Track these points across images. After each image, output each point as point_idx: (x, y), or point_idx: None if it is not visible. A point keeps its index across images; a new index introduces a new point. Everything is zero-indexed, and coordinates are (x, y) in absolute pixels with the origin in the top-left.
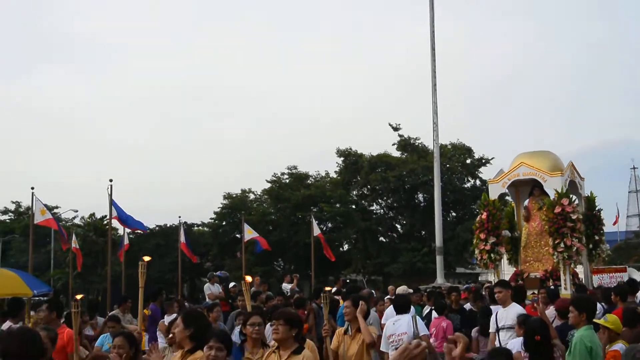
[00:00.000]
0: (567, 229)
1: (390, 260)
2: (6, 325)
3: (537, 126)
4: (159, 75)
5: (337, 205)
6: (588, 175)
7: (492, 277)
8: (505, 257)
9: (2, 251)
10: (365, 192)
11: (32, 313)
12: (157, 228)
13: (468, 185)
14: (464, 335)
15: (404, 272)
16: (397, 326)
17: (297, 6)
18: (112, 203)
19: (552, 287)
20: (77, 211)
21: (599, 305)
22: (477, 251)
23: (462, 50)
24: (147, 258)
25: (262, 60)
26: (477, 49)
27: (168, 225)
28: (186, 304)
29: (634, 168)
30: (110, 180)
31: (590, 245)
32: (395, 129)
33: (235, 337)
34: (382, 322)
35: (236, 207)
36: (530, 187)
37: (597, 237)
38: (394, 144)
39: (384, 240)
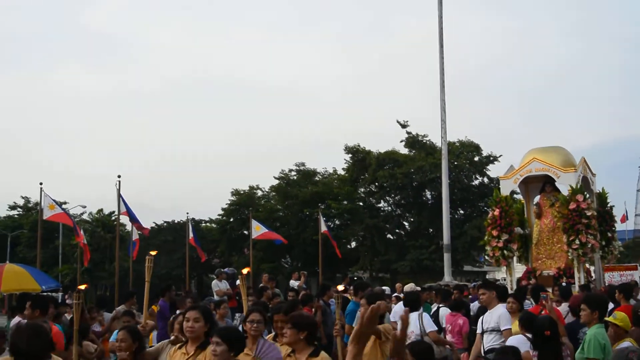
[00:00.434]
0: (582, 226)
1: (397, 258)
2: (15, 320)
3: (544, 124)
4: (166, 70)
5: (345, 202)
6: (597, 173)
7: (505, 275)
8: (516, 254)
9: (11, 246)
10: (372, 189)
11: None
12: (165, 224)
13: (476, 182)
14: (406, 316)
15: (411, 270)
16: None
17: (305, 3)
18: (120, 198)
19: (564, 284)
20: (85, 207)
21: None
22: (488, 248)
23: (470, 46)
24: (153, 252)
25: (271, 55)
26: (485, 46)
27: (176, 222)
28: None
29: None
30: (119, 176)
31: (603, 242)
32: (403, 125)
33: None
34: (391, 319)
35: (244, 204)
36: (541, 184)
37: (609, 234)
38: (401, 141)
39: (392, 237)
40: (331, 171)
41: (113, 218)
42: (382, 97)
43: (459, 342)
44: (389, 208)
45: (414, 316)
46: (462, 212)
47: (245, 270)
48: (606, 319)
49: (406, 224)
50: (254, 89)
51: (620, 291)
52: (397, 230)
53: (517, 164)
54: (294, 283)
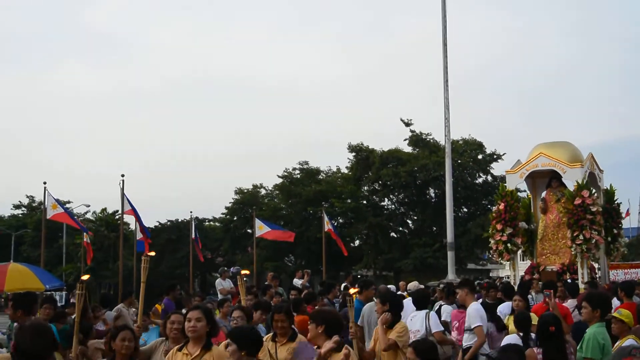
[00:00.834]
0: (587, 221)
1: (401, 256)
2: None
3: (548, 122)
4: (168, 68)
5: (348, 200)
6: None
7: (509, 270)
8: (521, 249)
9: (15, 245)
10: (376, 187)
11: None
12: (168, 223)
13: (480, 180)
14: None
15: (414, 268)
16: (413, 322)
17: (305, 2)
18: (124, 197)
19: (569, 280)
20: (89, 206)
21: (615, 301)
22: (492, 242)
23: (472, 45)
24: (151, 253)
25: (273, 55)
26: (488, 45)
27: (179, 220)
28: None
29: None
30: (122, 175)
31: (609, 239)
32: (407, 124)
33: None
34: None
35: (247, 202)
36: (547, 179)
37: (615, 231)
38: (405, 140)
39: (395, 235)
40: (335, 170)
41: (116, 217)
42: (385, 95)
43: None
44: (393, 206)
45: (420, 314)
46: (465, 210)
47: (243, 272)
48: (612, 314)
49: (410, 222)
50: (256, 88)
51: (622, 289)
52: (400, 229)
53: (523, 160)
54: (297, 281)
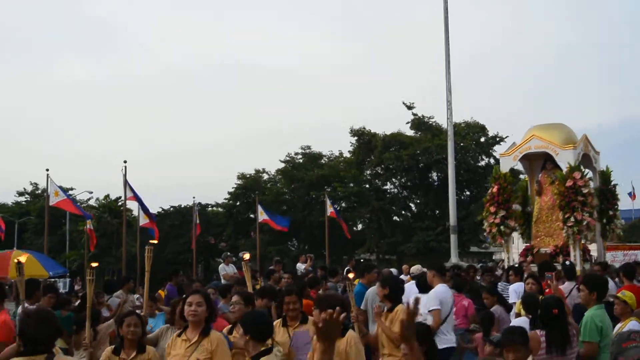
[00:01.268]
0: (578, 203)
1: (404, 240)
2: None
3: (551, 103)
4: (169, 55)
5: (351, 184)
6: (610, 152)
7: (503, 254)
8: (518, 232)
9: (18, 233)
10: (379, 171)
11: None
12: (171, 209)
13: (482, 163)
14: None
15: (417, 251)
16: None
17: None
18: (126, 184)
19: (567, 263)
20: (92, 192)
21: (611, 283)
22: (486, 224)
23: (474, 27)
24: (154, 241)
25: (276, 39)
26: (490, 27)
27: (182, 206)
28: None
29: None
30: (125, 162)
31: (604, 221)
32: (409, 107)
33: None
34: (436, 298)
35: (250, 187)
36: (542, 161)
37: (611, 213)
38: (407, 123)
39: (398, 219)
40: (337, 154)
41: (119, 204)
42: (387, 79)
43: (463, 323)
44: (395, 190)
45: (423, 298)
46: (468, 193)
47: (246, 256)
48: (616, 295)
49: (412, 205)
50: (258, 74)
51: (621, 271)
52: (403, 212)
53: (519, 143)
54: (300, 266)
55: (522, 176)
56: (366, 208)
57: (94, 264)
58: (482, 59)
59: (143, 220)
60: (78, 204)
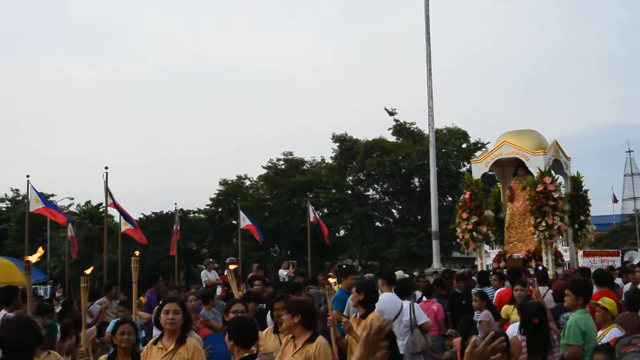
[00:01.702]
0: (549, 208)
1: (386, 245)
2: (1, 314)
3: (532, 110)
4: (152, 59)
5: (333, 190)
6: (587, 158)
7: (477, 260)
8: (492, 238)
9: None
10: (361, 177)
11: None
12: (152, 215)
13: (464, 169)
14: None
15: (400, 257)
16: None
17: None
18: (107, 191)
19: (539, 267)
20: (72, 199)
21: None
22: (459, 230)
23: (456, 34)
24: (136, 253)
25: (257, 44)
26: (472, 34)
27: (164, 212)
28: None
29: (630, 151)
30: (106, 168)
31: (576, 226)
32: (391, 113)
33: None
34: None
35: (232, 193)
36: (514, 167)
37: (582, 218)
38: (389, 129)
39: (380, 225)
40: (319, 160)
41: (101, 210)
42: (369, 85)
43: (434, 328)
44: (377, 196)
45: (404, 305)
46: (450, 199)
47: (232, 267)
48: (597, 302)
49: (394, 211)
50: (240, 79)
51: (593, 277)
52: (385, 218)
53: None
54: (283, 272)
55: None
56: (348, 214)
57: (88, 271)
58: (464, 65)
59: (124, 227)
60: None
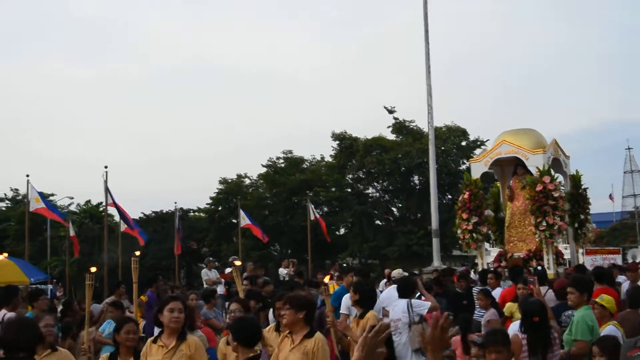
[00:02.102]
0: (549, 207)
1: (386, 244)
2: (1, 313)
3: (531, 108)
4: (151, 59)
5: (333, 189)
6: (586, 155)
7: (478, 260)
8: (492, 237)
9: None
10: (360, 175)
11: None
12: (153, 214)
13: (463, 167)
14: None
15: (400, 255)
16: (395, 312)
17: None
18: (107, 191)
19: (538, 267)
20: (72, 198)
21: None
22: (459, 231)
23: (456, 32)
24: (137, 253)
25: (257, 43)
26: (472, 32)
27: (164, 212)
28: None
29: (629, 148)
30: (106, 167)
31: (576, 225)
32: (390, 111)
33: None
34: (377, 306)
35: (232, 192)
36: (513, 166)
37: (582, 216)
38: (389, 127)
39: (380, 223)
40: (319, 158)
41: (101, 209)
42: (368, 83)
43: None
44: (377, 194)
45: (402, 303)
46: (449, 197)
47: (237, 262)
48: (595, 300)
49: (394, 209)
50: (240, 78)
51: (592, 275)
52: (385, 216)
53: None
54: (283, 271)
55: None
56: (348, 212)
57: (93, 269)
58: (463, 64)
59: (124, 226)
60: (58, 209)
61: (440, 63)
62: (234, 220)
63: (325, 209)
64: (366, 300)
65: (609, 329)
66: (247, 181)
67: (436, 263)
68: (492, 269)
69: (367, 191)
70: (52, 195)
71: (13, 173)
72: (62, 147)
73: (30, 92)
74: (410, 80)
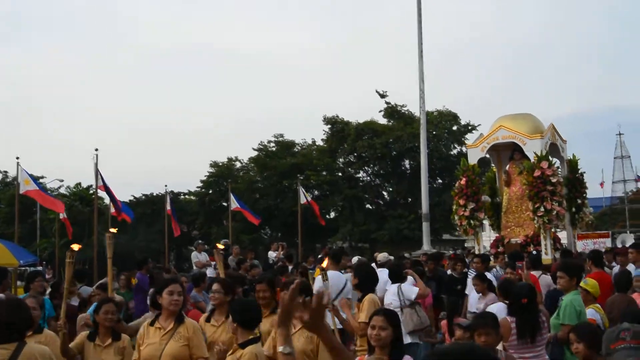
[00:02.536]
0: (547, 193)
1: (376, 228)
2: None
3: (523, 92)
4: (142, 41)
5: (324, 173)
6: (577, 141)
7: (474, 244)
8: (487, 223)
9: None
10: (351, 159)
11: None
12: (143, 197)
13: (454, 152)
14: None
15: (390, 239)
16: (387, 295)
17: None
18: (97, 173)
19: (534, 252)
20: (62, 181)
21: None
22: (456, 217)
23: (448, 16)
24: (113, 230)
25: (249, 25)
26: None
27: (154, 194)
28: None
29: (620, 134)
30: (96, 150)
31: (573, 209)
32: (382, 95)
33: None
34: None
35: (222, 176)
36: (510, 151)
37: (579, 201)
38: (380, 111)
39: (371, 207)
40: (310, 142)
41: (91, 192)
42: (360, 67)
43: None
44: (368, 178)
45: (393, 287)
46: (440, 181)
47: (220, 246)
48: (580, 283)
49: (385, 193)
50: (231, 61)
51: (589, 258)
52: (376, 200)
53: (486, 134)
54: (272, 254)
55: (492, 165)
56: (339, 196)
57: (76, 247)
58: (455, 48)
59: (114, 209)
60: (49, 191)
61: (432, 48)
62: (224, 204)
63: (316, 192)
64: (365, 283)
65: (589, 312)
66: (238, 164)
67: (426, 247)
68: (478, 254)
69: (358, 175)
70: (42, 177)
71: (2, 155)
72: (53, 129)
73: (20, 75)
74: (403, 65)
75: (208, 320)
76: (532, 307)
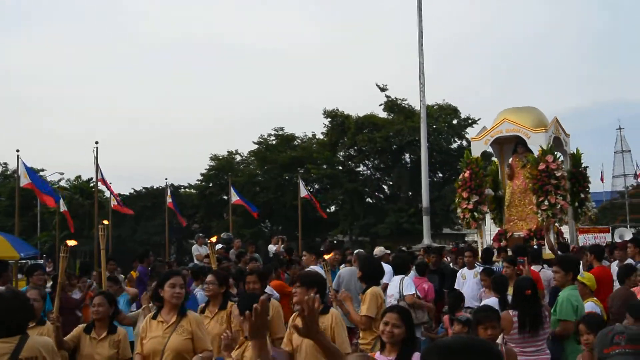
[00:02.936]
0: (551, 187)
1: (377, 221)
2: None
3: (524, 86)
4: (143, 35)
5: (324, 166)
6: (578, 135)
7: (476, 237)
8: (489, 216)
9: None
10: (352, 153)
11: (19, 276)
12: (143, 190)
13: (454, 145)
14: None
15: (390, 233)
16: (390, 288)
17: None
18: (97, 166)
19: (535, 247)
20: (63, 173)
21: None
22: (459, 210)
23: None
24: (105, 222)
25: (250, 19)
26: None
27: (155, 187)
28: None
29: (620, 128)
30: (96, 143)
31: (576, 204)
32: (382, 89)
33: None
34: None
35: (223, 169)
36: (513, 145)
37: (582, 195)
38: (380, 105)
39: (371, 201)
40: (310, 136)
41: (91, 185)
42: (360, 61)
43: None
44: (368, 172)
45: (396, 280)
46: (441, 175)
47: (213, 239)
48: (577, 277)
49: (385, 187)
50: (232, 55)
51: (591, 252)
52: (376, 194)
53: (489, 127)
54: (272, 248)
55: (493, 159)
56: (339, 190)
57: (72, 242)
58: (455, 42)
59: (114, 202)
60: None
61: (433, 42)
62: (224, 197)
63: (316, 186)
64: (368, 276)
65: (588, 305)
66: (238, 158)
67: (426, 241)
68: (469, 247)
69: (358, 169)
70: (42, 170)
71: (2, 148)
72: (53, 121)
73: (20, 67)
74: (403, 59)
75: (202, 311)
76: (534, 299)
